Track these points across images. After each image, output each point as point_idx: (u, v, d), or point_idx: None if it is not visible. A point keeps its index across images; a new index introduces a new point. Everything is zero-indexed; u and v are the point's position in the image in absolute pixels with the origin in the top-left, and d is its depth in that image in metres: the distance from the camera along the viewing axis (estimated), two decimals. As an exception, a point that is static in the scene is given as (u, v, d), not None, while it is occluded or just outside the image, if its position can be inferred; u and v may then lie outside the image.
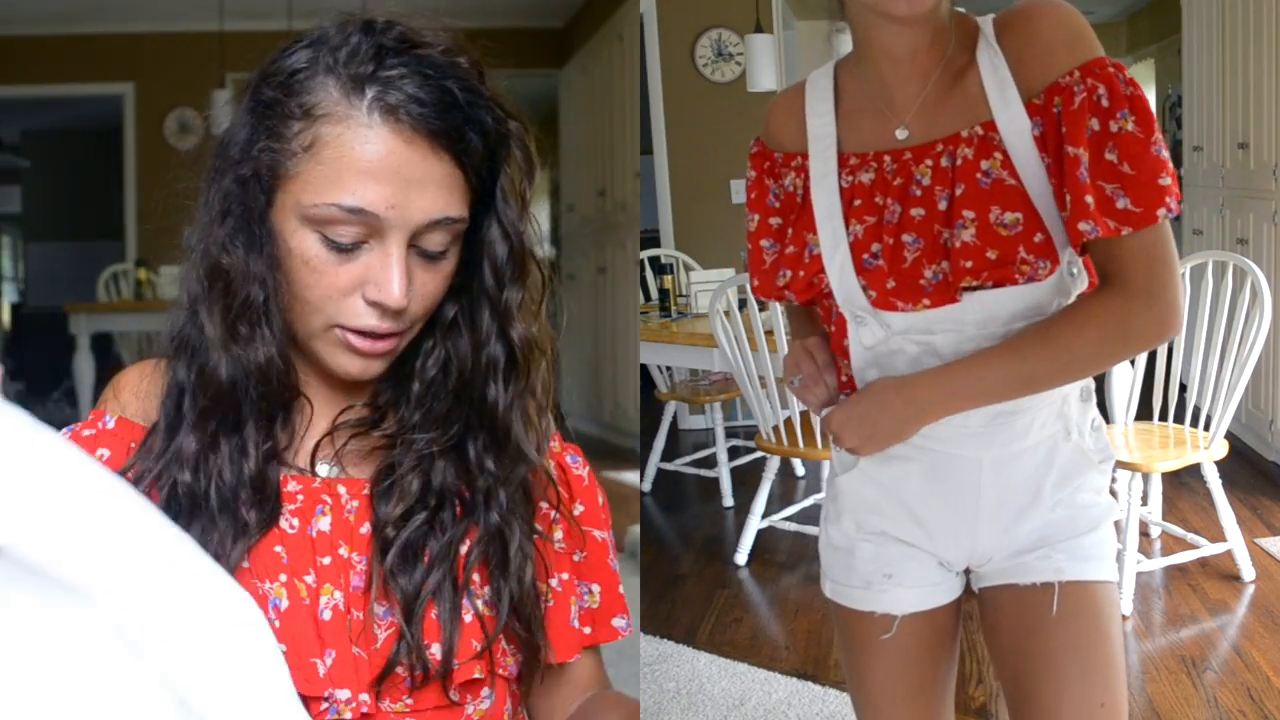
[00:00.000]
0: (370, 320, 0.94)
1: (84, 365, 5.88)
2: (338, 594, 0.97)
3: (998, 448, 1.24)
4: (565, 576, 1.08)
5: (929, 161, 1.18)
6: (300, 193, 0.90)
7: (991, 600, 1.32)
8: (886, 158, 1.21)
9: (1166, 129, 7.84)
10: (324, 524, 0.99)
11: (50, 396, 7.92)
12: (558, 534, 1.08)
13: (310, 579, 0.97)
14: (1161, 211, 1.08)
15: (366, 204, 0.89)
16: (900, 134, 1.20)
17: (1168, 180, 1.08)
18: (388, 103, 0.88)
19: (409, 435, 1.01)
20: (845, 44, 1.32)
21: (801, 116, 1.28)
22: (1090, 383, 1.28)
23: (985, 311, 1.17)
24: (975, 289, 1.15)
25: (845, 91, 1.27)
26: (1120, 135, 1.08)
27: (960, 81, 1.18)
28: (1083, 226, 1.08)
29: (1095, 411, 1.31)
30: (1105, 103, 1.09)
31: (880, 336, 1.22)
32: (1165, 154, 1.09)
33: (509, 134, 0.98)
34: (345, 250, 0.91)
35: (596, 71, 6.38)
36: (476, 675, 1.00)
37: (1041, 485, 1.26)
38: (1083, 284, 1.21)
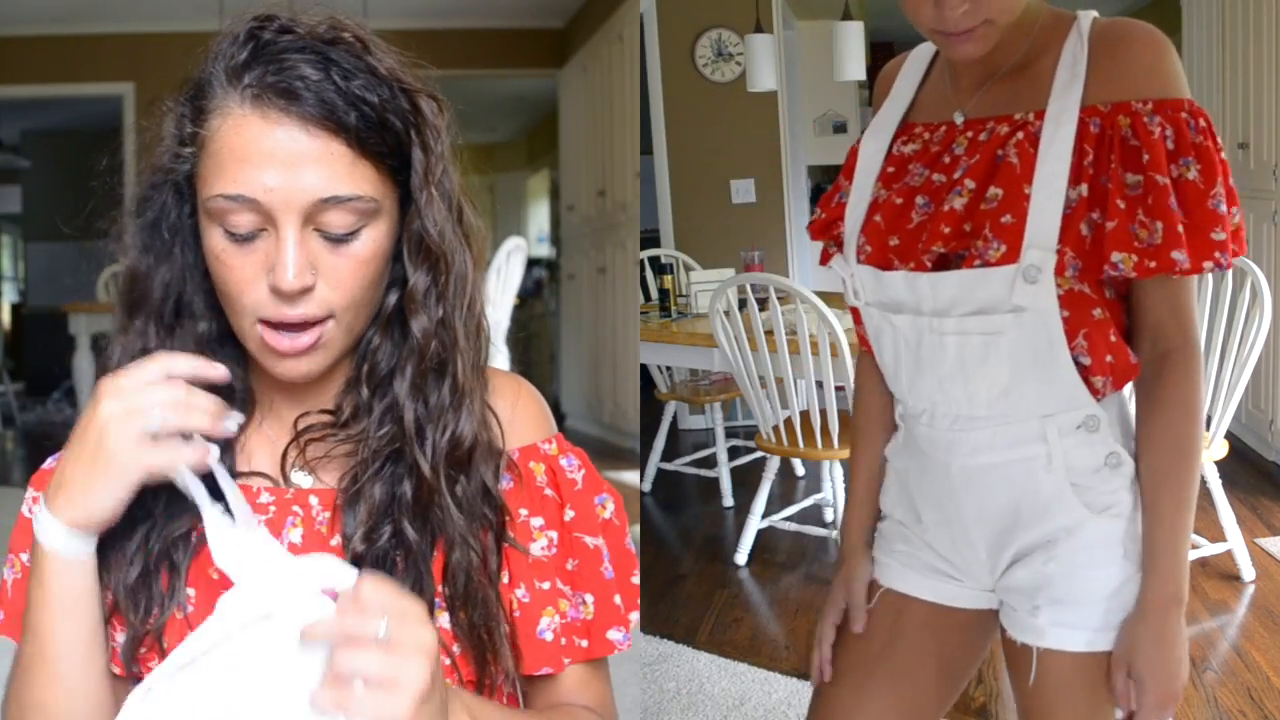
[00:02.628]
0: (276, 309, 0.92)
1: (84, 365, 5.87)
2: None
3: (962, 458, 1.23)
4: (545, 586, 1.03)
5: (969, 133, 1.20)
6: (201, 189, 0.92)
7: (998, 623, 1.32)
8: (942, 129, 1.24)
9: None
10: (295, 536, 0.97)
11: (50, 396, 7.92)
12: (542, 541, 1.03)
13: None
14: (1208, 264, 1.07)
15: (245, 190, 0.89)
16: (958, 118, 1.23)
17: (1221, 235, 1.07)
18: (256, 88, 0.89)
19: (367, 439, 0.97)
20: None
21: (895, 79, 1.35)
22: (1100, 414, 1.17)
23: (939, 299, 1.17)
24: (937, 260, 1.17)
25: (936, 65, 1.31)
26: (1180, 182, 1.08)
27: (1033, 68, 1.18)
28: (1115, 257, 1.08)
29: (1116, 450, 1.18)
30: (1170, 145, 1.08)
31: (854, 301, 1.29)
32: (1224, 209, 1.08)
33: (409, 110, 0.95)
34: (245, 240, 0.91)
35: (596, 71, 6.38)
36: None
37: (1018, 510, 1.21)
38: (1045, 295, 1.12)
